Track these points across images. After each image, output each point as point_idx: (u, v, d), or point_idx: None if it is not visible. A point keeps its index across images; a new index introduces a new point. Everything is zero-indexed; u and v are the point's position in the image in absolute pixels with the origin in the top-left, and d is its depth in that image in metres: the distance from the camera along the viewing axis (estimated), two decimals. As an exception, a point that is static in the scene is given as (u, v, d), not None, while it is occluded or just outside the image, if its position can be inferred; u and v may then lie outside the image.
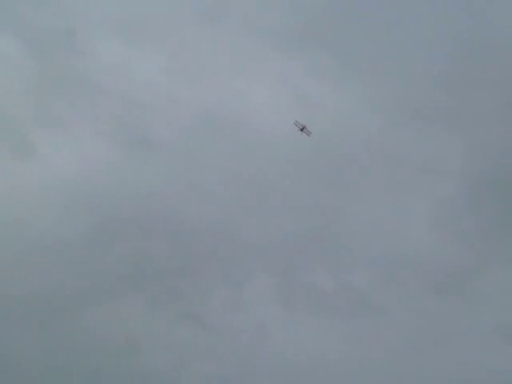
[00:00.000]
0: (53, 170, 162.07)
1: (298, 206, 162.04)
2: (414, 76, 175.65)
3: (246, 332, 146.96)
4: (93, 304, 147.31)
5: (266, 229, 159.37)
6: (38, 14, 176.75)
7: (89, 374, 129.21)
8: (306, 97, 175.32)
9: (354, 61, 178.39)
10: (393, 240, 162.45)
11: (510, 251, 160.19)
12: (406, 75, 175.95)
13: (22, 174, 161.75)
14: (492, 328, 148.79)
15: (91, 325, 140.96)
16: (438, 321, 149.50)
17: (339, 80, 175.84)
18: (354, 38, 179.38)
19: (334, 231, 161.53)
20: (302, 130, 68.99)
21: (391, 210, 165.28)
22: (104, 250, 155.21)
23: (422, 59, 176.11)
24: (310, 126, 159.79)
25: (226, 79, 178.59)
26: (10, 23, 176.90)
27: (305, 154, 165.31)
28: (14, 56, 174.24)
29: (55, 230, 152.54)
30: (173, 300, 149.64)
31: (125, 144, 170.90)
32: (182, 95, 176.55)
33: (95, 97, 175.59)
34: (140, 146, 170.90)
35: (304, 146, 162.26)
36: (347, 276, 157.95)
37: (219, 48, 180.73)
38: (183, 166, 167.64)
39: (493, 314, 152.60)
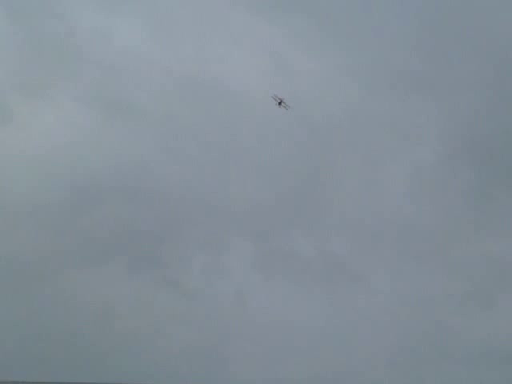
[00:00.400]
0: (31, 137, 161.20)
1: (277, 173, 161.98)
2: (391, 44, 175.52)
3: (224, 297, 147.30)
4: (71, 268, 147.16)
5: (244, 195, 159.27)
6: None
7: (66, 337, 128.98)
8: (285, 63, 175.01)
9: (333, 29, 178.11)
10: (372, 207, 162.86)
11: (487, 218, 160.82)
12: (384, 44, 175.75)
13: (0, 140, 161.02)
14: (468, 293, 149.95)
15: (69, 289, 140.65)
16: (416, 286, 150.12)
17: (318, 47, 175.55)
18: (333, 5, 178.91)
19: (313, 198, 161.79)
20: (279, 103, 68.74)
21: (370, 176, 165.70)
22: (82, 216, 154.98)
23: (399, 27, 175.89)
24: (289, 92, 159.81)
25: (204, 45, 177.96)
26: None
27: (284, 121, 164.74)
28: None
29: (34, 195, 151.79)
30: (151, 265, 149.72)
31: (104, 110, 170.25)
32: (161, 60, 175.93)
33: (74, 62, 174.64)
34: (119, 111, 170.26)
35: (281, 112, 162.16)
36: (326, 242, 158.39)
37: (198, 14, 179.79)
38: (162, 131, 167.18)
39: (469, 280, 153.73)
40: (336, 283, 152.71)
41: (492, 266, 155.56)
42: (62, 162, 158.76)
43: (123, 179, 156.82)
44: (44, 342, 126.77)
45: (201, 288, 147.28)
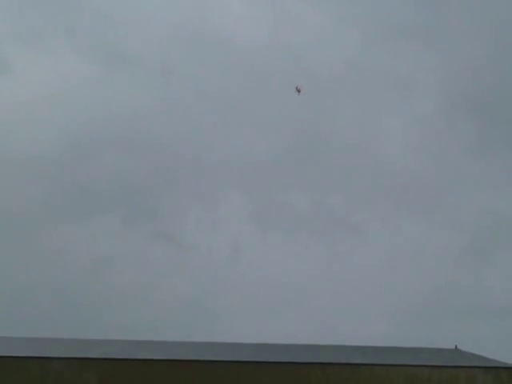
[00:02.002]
0: (27, 87, 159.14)
1: (275, 126, 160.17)
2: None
3: (219, 251, 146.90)
4: (65, 222, 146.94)
5: (241, 148, 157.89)
6: None
7: (60, 291, 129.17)
8: (286, 14, 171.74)
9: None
10: (369, 160, 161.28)
11: (487, 171, 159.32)
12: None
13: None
14: (466, 248, 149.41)
15: (63, 242, 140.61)
16: (413, 240, 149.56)
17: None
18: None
19: (311, 151, 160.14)
20: (299, 91, 67.77)
21: (368, 129, 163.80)
22: (77, 168, 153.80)
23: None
24: (289, 43, 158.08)
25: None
26: None
27: (285, 72, 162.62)
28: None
29: (28, 146, 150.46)
30: (146, 219, 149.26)
31: (102, 60, 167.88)
32: (160, 11, 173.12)
33: (71, 12, 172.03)
34: (117, 62, 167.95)
35: (282, 64, 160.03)
36: (323, 196, 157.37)
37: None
38: (160, 82, 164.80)
39: (467, 234, 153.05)
40: (333, 237, 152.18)
41: (491, 220, 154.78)
42: (59, 113, 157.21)
43: (120, 131, 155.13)
44: (37, 296, 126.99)
45: (196, 241, 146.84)
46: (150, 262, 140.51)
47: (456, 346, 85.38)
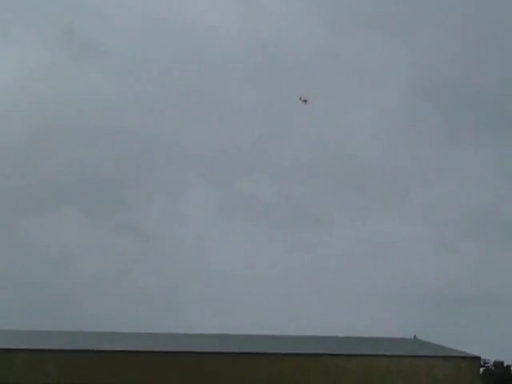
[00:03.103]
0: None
1: (241, 115, 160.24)
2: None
3: (184, 242, 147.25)
4: (29, 214, 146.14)
5: (206, 138, 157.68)
6: None
7: (23, 283, 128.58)
8: (255, 3, 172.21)
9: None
10: (336, 150, 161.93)
11: (453, 162, 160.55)
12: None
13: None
14: (428, 237, 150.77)
15: (27, 234, 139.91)
16: (377, 230, 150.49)
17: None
18: None
19: (276, 141, 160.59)
20: (305, 101, 67.62)
21: (335, 119, 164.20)
22: (42, 159, 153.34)
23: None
24: (256, 32, 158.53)
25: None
26: None
27: (250, 62, 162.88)
28: None
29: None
30: (110, 210, 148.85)
31: (67, 48, 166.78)
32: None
33: (37, 0, 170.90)
34: (83, 50, 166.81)
35: (250, 53, 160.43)
36: (288, 187, 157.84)
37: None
38: (126, 71, 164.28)
39: (430, 224, 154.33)
40: (298, 228, 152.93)
41: (456, 211, 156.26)
42: (24, 102, 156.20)
43: (83, 120, 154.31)
44: (1, 288, 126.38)
45: (160, 232, 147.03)
46: (114, 253, 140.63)
47: (415, 336, 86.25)
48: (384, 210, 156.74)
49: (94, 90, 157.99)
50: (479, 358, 77.92)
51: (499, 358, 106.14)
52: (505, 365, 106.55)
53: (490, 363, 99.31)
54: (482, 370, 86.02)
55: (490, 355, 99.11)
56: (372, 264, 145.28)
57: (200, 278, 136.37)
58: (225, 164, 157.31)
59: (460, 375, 74.80)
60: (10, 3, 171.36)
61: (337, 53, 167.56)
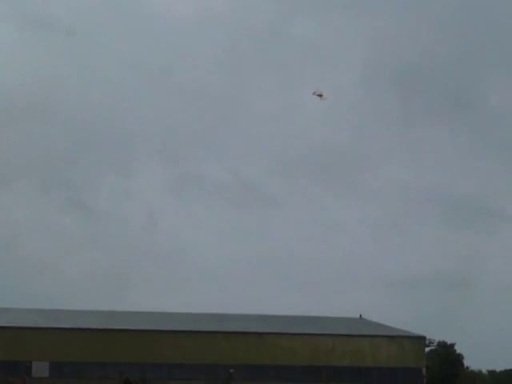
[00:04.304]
0: None
1: (193, 94, 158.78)
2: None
3: (134, 221, 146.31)
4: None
5: (158, 116, 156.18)
6: None
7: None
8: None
9: None
10: (286, 131, 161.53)
11: (404, 143, 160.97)
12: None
13: None
14: (378, 218, 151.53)
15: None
16: (328, 212, 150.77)
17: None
18: None
19: (229, 120, 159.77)
20: (320, 95, 66.82)
21: (288, 99, 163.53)
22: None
23: None
24: (211, 13, 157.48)
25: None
26: None
27: (205, 41, 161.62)
28: None
29: None
30: (59, 187, 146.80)
31: (19, 25, 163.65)
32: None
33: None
34: (35, 27, 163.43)
35: (203, 31, 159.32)
36: (239, 166, 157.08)
37: None
38: (79, 49, 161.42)
39: (380, 205, 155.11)
40: (249, 208, 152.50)
41: (403, 192, 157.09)
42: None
43: (34, 98, 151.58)
44: None
45: (111, 210, 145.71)
46: (63, 230, 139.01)
47: (361, 315, 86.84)
48: (335, 191, 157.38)
49: (44, 68, 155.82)
50: (424, 337, 78.85)
51: (445, 338, 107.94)
52: (449, 344, 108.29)
53: (435, 343, 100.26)
54: (427, 349, 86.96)
55: (435, 335, 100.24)
56: (321, 244, 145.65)
57: (150, 257, 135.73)
58: (176, 143, 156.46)
59: (405, 354, 75.86)
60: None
61: (291, 31, 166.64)
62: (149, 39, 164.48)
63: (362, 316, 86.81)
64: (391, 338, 76.61)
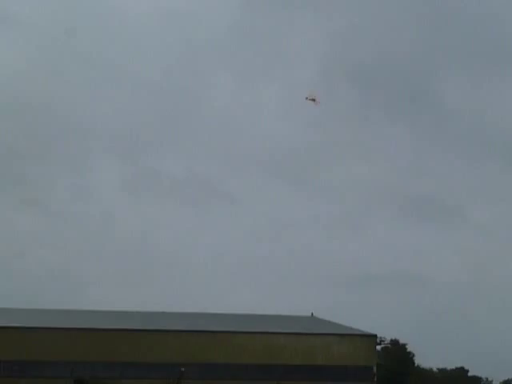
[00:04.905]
0: None
1: (151, 91, 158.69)
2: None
3: (90, 219, 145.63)
4: None
5: (113, 112, 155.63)
6: None
7: None
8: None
9: None
10: (243, 128, 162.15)
11: (362, 140, 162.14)
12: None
13: None
14: (334, 216, 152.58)
15: None
16: (284, 209, 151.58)
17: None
18: None
19: (185, 118, 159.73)
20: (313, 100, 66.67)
21: (246, 95, 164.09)
22: None
23: None
24: (170, 12, 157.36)
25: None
26: None
27: (163, 37, 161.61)
28: None
29: None
30: (14, 186, 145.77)
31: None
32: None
33: None
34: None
35: (162, 27, 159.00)
36: (196, 163, 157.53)
37: None
38: (38, 43, 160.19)
39: (338, 203, 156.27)
40: (205, 205, 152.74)
41: (359, 189, 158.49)
42: None
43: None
44: None
45: (65, 209, 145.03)
46: (19, 228, 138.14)
47: (312, 314, 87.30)
48: (291, 188, 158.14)
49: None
50: (375, 335, 79.39)
51: (397, 337, 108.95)
52: (400, 342, 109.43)
53: (387, 341, 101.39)
54: (379, 347, 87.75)
55: (388, 333, 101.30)
56: (276, 242, 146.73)
57: (106, 255, 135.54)
58: (132, 140, 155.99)
59: (356, 352, 76.14)
60: None
61: (250, 29, 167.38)
62: (105, 35, 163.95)
63: (314, 314, 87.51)
64: (342, 336, 76.96)
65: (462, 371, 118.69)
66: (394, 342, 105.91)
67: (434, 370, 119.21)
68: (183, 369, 68.07)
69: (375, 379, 76.33)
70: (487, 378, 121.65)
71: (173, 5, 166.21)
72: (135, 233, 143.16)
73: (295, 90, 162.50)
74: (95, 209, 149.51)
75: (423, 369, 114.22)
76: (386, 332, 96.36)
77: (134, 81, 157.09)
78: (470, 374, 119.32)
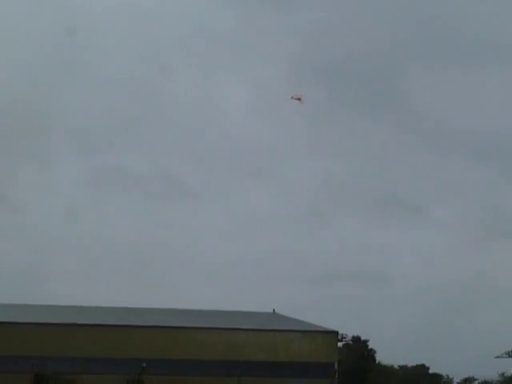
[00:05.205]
0: None
1: (114, 85, 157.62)
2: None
3: (53, 213, 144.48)
4: None
5: (75, 107, 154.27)
6: None
7: None
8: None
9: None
10: (208, 123, 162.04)
11: (324, 137, 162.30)
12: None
13: None
14: (300, 213, 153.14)
15: None
16: (248, 204, 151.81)
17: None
18: None
19: (149, 113, 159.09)
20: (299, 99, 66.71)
21: (210, 91, 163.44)
22: None
23: None
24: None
25: None
26: None
27: (127, 33, 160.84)
28: None
29: None
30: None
31: None
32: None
33: None
34: None
35: (129, 28, 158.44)
36: (160, 158, 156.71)
37: None
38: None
39: (301, 199, 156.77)
40: (169, 200, 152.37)
41: (325, 187, 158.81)
42: None
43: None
44: None
45: (29, 203, 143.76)
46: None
47: (274, 310, 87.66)
48: (257, 184, 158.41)
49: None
50: (337, 332, 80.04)
51: (359, 333, 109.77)
52: (362, 339, 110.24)
53: (349, 338, 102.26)
54: (340, 344, 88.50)
55: (350, 330, 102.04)
56: (239, 237, 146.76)
57: (69, 249, 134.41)
58: (95, 134, 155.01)
59: (317, 349, 76.66)
60: None
61: (214, 26, 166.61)
62: (63, 30, 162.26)
63: (276, 311, 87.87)
64: (304, 332, 77.50)
65: (422, 368, 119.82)
66: (356, 339, 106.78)
67: (395, 366, 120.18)
68: (145, 364, 68.19)
69: (336, 376, 76.94)
70: (448, 376, 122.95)
71: (137, 0, 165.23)
72: (98, 228, 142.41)
73: (262, 88, 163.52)
74: (58, 202, 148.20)
75: (384, 366, 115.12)
76: (348, 329, 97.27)
77: (99, 75, 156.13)
78: (430, 371, 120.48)
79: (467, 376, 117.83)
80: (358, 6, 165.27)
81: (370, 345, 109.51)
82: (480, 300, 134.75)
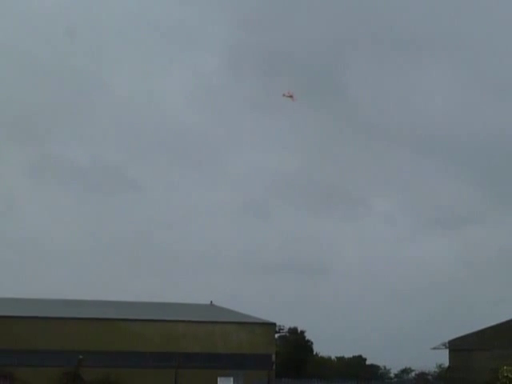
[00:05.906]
0: None
1: (53, 75, 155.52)
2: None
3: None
4: None
5: (15, 97, 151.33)
6: None
7: None
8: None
9: None
10: (148, 114, 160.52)
11: (269, 128, 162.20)
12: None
13: None
14: (240, 204, 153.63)
15: None
16: (189, 196, 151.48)
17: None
18: None
19: (89, 104, 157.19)
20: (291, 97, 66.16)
21: (150, 81, 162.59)
22: None
23: None
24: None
25: None
26: None
27: (67, 23, 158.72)
28: None
29: None
30: None
31: None
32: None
33: None
34: None
35: (67, 17, 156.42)
36: (100, 149, 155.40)
37: None
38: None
39: (240, 190, 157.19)
40: (109, 192, 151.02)
41: (266, 178, 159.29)
42: None
43: None
44: None
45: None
46: None
47: (212, 302, 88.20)
48: (197, 176, 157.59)
49: None
50: (274, 324, 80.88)
51: (296, 325, 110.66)
52: (299, 331, 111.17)
53: (286, 329, 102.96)
54: (277, 335, 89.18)
55: (287, 321, 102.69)
56: (179, 229, 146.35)
57: (6, 243, 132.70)
58: (33, 125, 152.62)
59: (255, 340, 77.56)
60: None
61: (154, 13, 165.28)
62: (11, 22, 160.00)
63: (213, 303, 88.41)
64: (241, 324, 78.23)
65: (360, 359, 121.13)
66: (293, 331, 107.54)
67: (332, 358, 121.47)
68: (81, 356, 68.07)
69: (274, 367, 77.76)
70: (385, 367, 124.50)
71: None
72: (37, 220, 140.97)
73: (201, 78, 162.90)
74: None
75: (321, 357, 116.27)
76: (285, 320, 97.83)
77: (37, 66, 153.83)
78: (367, 362, 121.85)
79: (404, 367, 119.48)
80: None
81: (307, 336, 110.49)
82: (417, 290, 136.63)
